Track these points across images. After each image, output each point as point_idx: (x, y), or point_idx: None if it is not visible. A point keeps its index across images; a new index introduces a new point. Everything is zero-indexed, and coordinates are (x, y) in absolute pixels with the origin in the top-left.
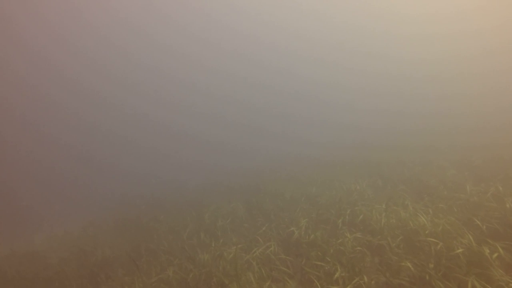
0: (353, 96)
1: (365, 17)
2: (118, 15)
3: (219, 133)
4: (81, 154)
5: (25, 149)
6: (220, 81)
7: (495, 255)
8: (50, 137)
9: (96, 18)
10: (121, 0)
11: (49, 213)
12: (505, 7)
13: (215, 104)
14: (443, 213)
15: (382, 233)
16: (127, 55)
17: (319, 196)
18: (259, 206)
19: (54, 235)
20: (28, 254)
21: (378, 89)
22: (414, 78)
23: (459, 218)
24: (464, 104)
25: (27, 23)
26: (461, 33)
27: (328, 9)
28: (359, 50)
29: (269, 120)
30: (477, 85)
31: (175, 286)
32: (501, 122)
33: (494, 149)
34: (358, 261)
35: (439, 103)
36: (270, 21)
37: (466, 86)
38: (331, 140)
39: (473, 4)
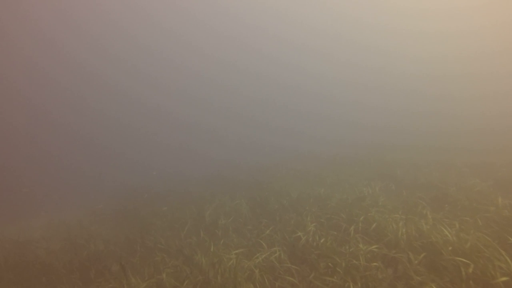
0: (364, 95)
1: (384, 15)
2: (137, 9)
3: (225, 127)
4: (84, 143)
5: (29, 136)
6: (229, 75)
7: None
8: (55, 125)
9: (114, 10)
10: None
11: (47, 201)
12: None
13: (222, 97)
14: (469, 227)
15: (399, 246)
16: (141, 45)
17: (328, 198)
18: (264, 204)
19: (50, 224)
20: (20, 243)
21: (389, 88)
22: (428, 77)
23: (489, 234)
24: (481, 105)
25: (44, 13)
26: (479, 30)
27: (353, 10)
28: (373, 49)
29: (278, 116)
30: (495, 86)
31: None
32: None
33: None
34: (373, 279)
35: (454, 103)
36: (291, 19)
37: (483, 87)
38: (340, 139)
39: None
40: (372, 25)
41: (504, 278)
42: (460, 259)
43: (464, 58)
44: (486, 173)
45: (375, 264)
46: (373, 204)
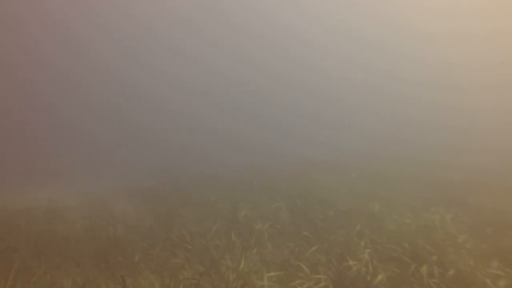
0: (418, 111)
1: (425, 23)
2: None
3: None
4: (121, 121)
5: (66, 110)
6: (269, 82)
7: None
8: (90, 100)
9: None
10: None
11: (78, 173)
12: None
13: (259, 103)
14: None
15: None
16: (168, 43)
17: (383, 219)
18: (306, 213)
19: (76, 197)
20: (43, 212)
21: (446, 103)
22: (487, 87)
23: None
24: None
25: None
26: None
27: (386, 12)
28: (423, 62)
29: (326, 128)
30: None
31: None
32: None
33: None
34: None
35: None
36: (315, 19)
37: None
38: (395, 154)
39: None
40: (423, 34)
41: None
42: None
43: None
44: None
45: None
46: (446, 238)
